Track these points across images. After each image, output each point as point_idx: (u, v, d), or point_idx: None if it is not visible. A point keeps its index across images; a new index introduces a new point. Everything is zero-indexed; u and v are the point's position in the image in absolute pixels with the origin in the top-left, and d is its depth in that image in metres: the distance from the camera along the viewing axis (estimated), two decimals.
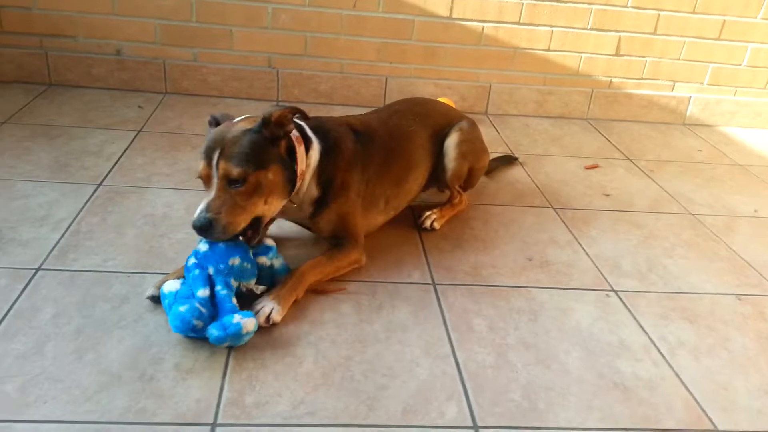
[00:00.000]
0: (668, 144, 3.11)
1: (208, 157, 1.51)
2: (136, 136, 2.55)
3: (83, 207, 1.97)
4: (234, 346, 1.44)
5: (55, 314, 1.50)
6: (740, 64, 3.30)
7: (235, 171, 1.48)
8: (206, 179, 1.52)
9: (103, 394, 1.28)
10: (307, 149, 1.68)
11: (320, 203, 1.75)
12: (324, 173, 1.72)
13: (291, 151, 1.61)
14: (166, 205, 2.03)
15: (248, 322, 1.42)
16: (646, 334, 1.66)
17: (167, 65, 3.01)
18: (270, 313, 1.52)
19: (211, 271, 1.51)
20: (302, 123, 1.72)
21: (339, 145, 1.76)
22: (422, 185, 2.11)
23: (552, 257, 1.98)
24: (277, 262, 1.68)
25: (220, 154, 1.49)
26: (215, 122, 1.63)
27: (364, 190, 1.83)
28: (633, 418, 1.37)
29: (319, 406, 1.32)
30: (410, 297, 1.71)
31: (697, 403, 1.43)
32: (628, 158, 2.87)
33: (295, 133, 1.64)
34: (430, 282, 1.79)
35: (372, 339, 1.53)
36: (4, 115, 2.60)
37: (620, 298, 1.81)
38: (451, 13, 3.01)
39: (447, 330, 1.59)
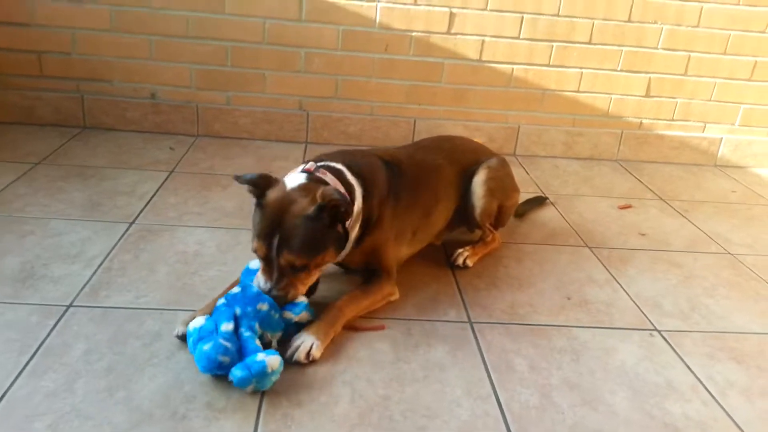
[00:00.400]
0: (700, 185, 3.05)
1: (266, 241, 1.50)
2: (168, 176, 2.57)
3: (116, 245, 1.97)
4: (259, 389, 1.37)
5: (86, 351, 1.47)
6: None
7: (299, 262, 1.51)
8: (263, 256, 1.53)
9: None
10: (352, 199, 1.66)
11: (359, 240, 1.72)
12: (365, 213, 1.71)
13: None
14: (198, 243, 2.02)
15: (273, 360, 1.36)
16: (694, 374, 1.59)
17: (200, 109, 3.06)
18: (310, 349, 1.48)
19: (237, 312, 1.48)
20: (338, 166, 1.70)
21: (373, 180, 1.75)
22: (448, 220, 2.07)
23: (591, 296, 1.92)
24: (306, 317, 1.58)
25: (281, 242, 1.49)
26: (257, 186, 1.56)
27: (395, 222, 1.82)
28: None
29: None
30: (447, 335, 1.66)
31: None
32: (661, 198, 2.82)
33: (342, 191, 1.62)
34: (467, 320, 1.74)
35: (410, 378, 1.48)
36: (39, 156, 2.65)
37: (664, 338, 1.74)
38: (480, 56, 3.04)
39: (487, 369, 1.53)
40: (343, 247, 1.64)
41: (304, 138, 3.14)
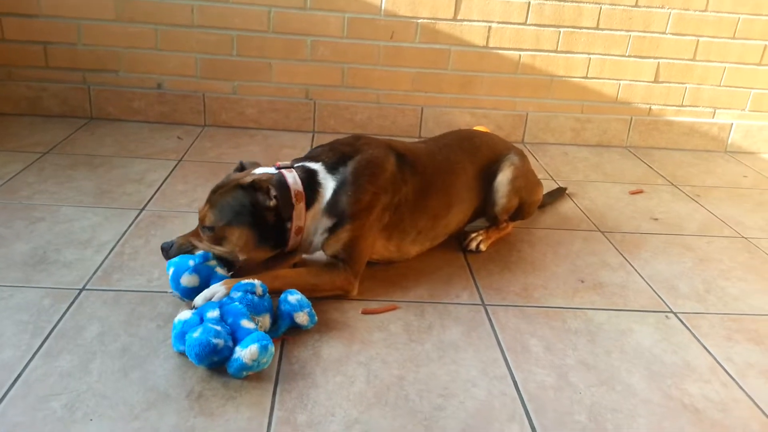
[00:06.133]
0: (712, 171, 3.03)
1: (208, 197, 1.66)
2: (176, 165, 2.56)
3: (126, 230, 1.97)
4: (255, 371, 1.35)
5: (100, 333, 1.46)
6: None
7: (207, 221, 1.62)
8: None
9: (151, 412, 1.24)
10: (314, 199, 1.67)
11: (334, 228, 1.69)
12: (338, 204, 1.68)
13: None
14: None
15: (246, 354, 1.31)
16: (712, 355, 1.57)
17: (207, 98, 3.05)
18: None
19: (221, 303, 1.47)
20: (315, 167, 1.71)
21: (369, 168, 1.72)
22: (465, 221, 2.05)
23: (605, 279, 1.91)
24: (305, 319, 1.51)
25: (208, 200, 1.64)
26: (240, 168, 1.77)
27: (390, 216, 1.77)
28: None
29: (374, 425, 1.25)
30: (460, 317, 1.65)
31: None
32: (672, 184, 2.80)
33: (297, 188, 1.64)
34: (480, 303, 1.73)
35: (424, 359, 1.47)
36: (46, 146, 2.64)
37: (680, 320, 1.72)
38: (487, 43, 3.02)
39: (502, 350, 1.52)
40: (267, 242, 1.64)
41: (311, 127, 3.13)
